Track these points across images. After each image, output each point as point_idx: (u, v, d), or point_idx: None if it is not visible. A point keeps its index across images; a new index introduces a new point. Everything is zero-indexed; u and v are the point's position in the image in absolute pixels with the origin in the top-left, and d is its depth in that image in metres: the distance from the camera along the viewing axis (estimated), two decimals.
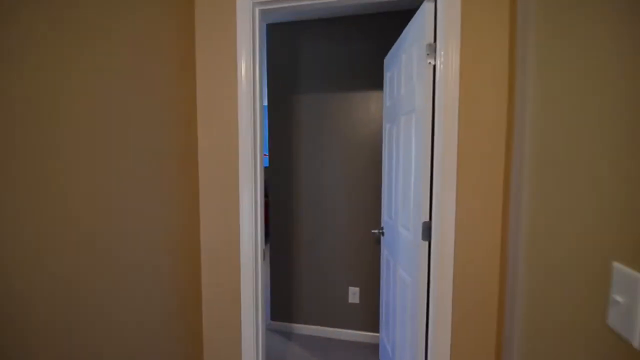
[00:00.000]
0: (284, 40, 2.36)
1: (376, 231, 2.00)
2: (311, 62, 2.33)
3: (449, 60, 1.19)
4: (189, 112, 1.36)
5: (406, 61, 1.54)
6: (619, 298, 0.55)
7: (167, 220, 1.21)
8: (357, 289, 2.37)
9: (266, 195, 5.64)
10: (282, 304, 2.52)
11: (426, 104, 1.27)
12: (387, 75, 1.93)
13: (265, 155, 6.16)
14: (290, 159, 2.41)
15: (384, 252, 2.00)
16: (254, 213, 1.37)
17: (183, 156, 1.32)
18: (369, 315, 2.37)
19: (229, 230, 1.40)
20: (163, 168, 1.19)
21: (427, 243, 1.32)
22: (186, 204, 1.34)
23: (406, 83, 1.53)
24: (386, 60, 1.94)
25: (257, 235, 1.41)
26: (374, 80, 2.24)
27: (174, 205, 1.26)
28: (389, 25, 2.19)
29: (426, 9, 1.25)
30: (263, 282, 1.45)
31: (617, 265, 0.56)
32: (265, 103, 5.75)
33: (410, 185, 1.45)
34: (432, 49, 1.24)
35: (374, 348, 2.31)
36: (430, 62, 1.24)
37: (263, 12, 1.40)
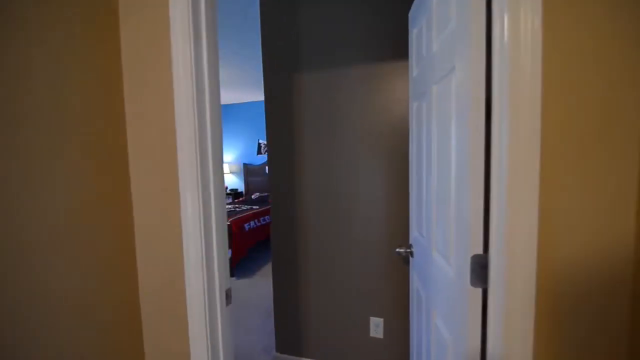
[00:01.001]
0: (282, 8, 1.87)
1: (402, 250, 1.47)
2: (315, 31, 1.82)
3: None
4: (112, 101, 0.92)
5: (439, 1, 1.00)
6: None
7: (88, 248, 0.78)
8: (380, 320, 1.84)
9: (266, 201, 5.21)
10: (289, 333, 2.06)
11: (474, 54, 0.73)
12: (412, 33, 1.37)
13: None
14: (294, 158, 1.93)
15: (414, 279, 1.46)
16: (202, 236, 0.90)
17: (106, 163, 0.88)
18: (396, 355, 1.83)
19: (169, 264, 0.95)
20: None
21: (480, 291, 0.78)
22: (113, 228, 0.91)
23: (440, 32, 0.99)
24: (411, 13, 1.38)
25: (214, 270, 0.95)
26: (399, 48, 1.69)
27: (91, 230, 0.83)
28: None
29: None
30: (228, 342, 0.99)
31: None
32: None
33: (450, 190, 0.91)
34: None
35: None
36: None
37: None
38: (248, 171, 6.50)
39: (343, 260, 1.89)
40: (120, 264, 0.94)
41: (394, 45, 1.69)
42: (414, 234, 1.43)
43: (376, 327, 1.85)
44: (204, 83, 0.93)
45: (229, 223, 3.90)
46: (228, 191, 6.57)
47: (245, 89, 5.49)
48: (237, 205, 5.20)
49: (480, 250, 0.77)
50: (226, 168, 6.54)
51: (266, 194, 5.92)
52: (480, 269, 0.77)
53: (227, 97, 6.01)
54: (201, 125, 0.91)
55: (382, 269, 1.82)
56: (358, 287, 1.87)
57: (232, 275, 3.90)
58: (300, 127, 1.90)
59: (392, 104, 1.73)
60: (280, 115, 1.94)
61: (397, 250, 1.47)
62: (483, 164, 0.75)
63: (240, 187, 6.83)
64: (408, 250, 1.47)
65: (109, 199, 0.91)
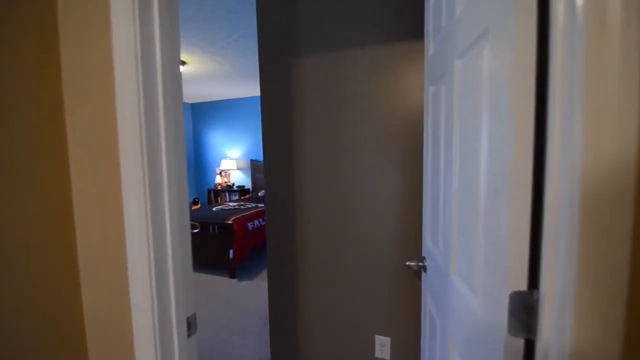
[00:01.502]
0: None
1: (413, 264, 1.24)
2: (318, 9, 1.59)
3: None
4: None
5: None
6: None
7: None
8: (387, 340, 1.62)
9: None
10: (286, 351, 1.85)
11: (521, 9, 0.49)
12: (429, 2, 1.13)
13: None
14: (292, 156, 1.72)
15: (426, 298, 1.23)
16: (151, 254, 0.70)
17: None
18: None
19: (116, 288, 0.75)
20: None
21: (522, 343, 0.55)
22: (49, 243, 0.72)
23: None
24: None
25: (170, 297, 0.74)
26: (414, 26, 1.45)
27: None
28: None
29: None
30: None
31: None
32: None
33: (477, 197, 0.68)
34: None
35: None
36: None
37: None
38: (255, 167, 6.33)
39: (346, 270, 1.67)
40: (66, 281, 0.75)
41: (410, 21, 1.45)
42: (427, 244, 1.20)
43: (382, 347, 1.63)
44: (155, 66, 0.72)
45: (230, 222, 3.73)
46: (235, 188, 6.43)
47: (251, 82, 5.30)
48: (242, 203, 5.04)
49: (523, 286, 0.54)
50: (233, 164, 6.39)
51: None
52: (523, 312, 0.54)
53: (233, 91, 5.83)
54: (150, 122, 0.71)
55: (391, 282, 1.59)
56: (363, 302, 1.65)
57: (233, 276, 3.73)
58: (300, 119, 1.68)
59: (407, 92, 1.49)
60: (277, 108, 1.72)
61: (408, 264, 1.25)
62: (532, 170, 0.51)
63: (248, 184, 6.68)
64: (420, 264, 1.24)
65: (47, 209, 0.72)
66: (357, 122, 1.58)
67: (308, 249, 1.73)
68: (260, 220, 4.27)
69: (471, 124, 0.72)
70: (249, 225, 3.98)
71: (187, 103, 6.64)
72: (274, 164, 1.76)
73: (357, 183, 1.60)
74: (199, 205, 6.63)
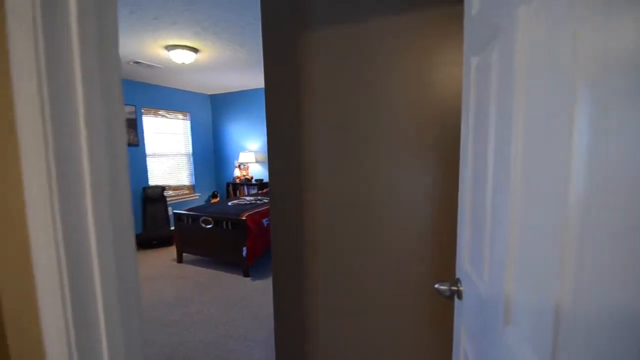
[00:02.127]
0: None
1: (444, 287, 0.97)
2: None
3: None
4: None
5: None
6: None
7: None
8: None
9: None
10: None
11: None
12: None
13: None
14: (300, 148, 1.47)
15: (460, 332, 0.96)
16: (61, 288, 0.48)
17: None
18: None
19: (26, 336, 0.54)
20: None
21: None
22: None
23: None
24: None
25: (101, 348, 0.53)
26: None
27: None
28: None
29: None
30: None
31: None
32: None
33: (565, 214, 0.40)
34: None
35: None
36: None
37: None
38: None
39: (360, 289, 1.42)
40: None
41: None
42: (464, 266, 0.93)
43: None
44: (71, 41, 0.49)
45: (244, 218, 3.56)
46: (253, 182, 6.29)
47: None
48: (258, 198, 4.87)
49: None
50: (251, 157, 6.24)
51: None
52: None
53: (251, 81, 5.64)
54: (59, 99, 0.48)
55: (415, 304, 1.32)
56: (380, 326, 1.40)
57: (247, 275, 3.57)
58: (309, 104, 1.43)
59: (442, 71, 1.21)
60: (282, 94, 1.48)
61: (438, 286, 0.98)
62: None
63: (266, 177, 6.52)
64: (454, 287, 0.97)
65: None
66: (378, 109, 1.31)
67: (317, 257, 1.49)
68: None
69: (552, 102, 0.44)
70: (264, 221, 3.80)
71: (206, 94, 6.54)
72: (279, 159, 1.53)
73: (376, 183, 1.34)
74: (217, 199, 6.56)
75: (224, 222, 3.65)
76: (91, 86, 0.51)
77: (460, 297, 0.95)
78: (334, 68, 1.36)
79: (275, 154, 1.54)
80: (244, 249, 3.49)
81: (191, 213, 3.89)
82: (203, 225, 3.75)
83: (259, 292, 3.19)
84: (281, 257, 1.58)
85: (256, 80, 5.53)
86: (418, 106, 1.24)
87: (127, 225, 0.58)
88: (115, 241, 0.56)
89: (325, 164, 1.42)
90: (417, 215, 1.29)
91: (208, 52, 3.62)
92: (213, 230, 3.72)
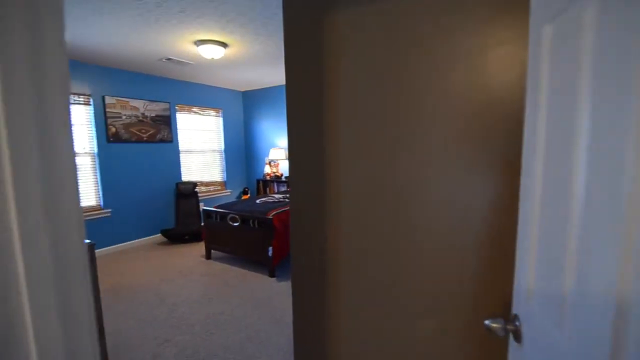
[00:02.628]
0: None
1: (497, 326, 0.77)
2: None
3: None
4: None
5: None
6: None
7: None
8: None
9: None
10: None
11: None
12: None
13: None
14: (322, 144, 1.30)
15: None
16: None
17: None
18: None
19: None
20: None
21: None
22: None
23: None
24: None
25: None
26: None
27: None
28: None
29: None
30: None
31: None
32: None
33: None
34: None
35: None
36: None
37: None
38: None
39: (389, 319, 1.23)
40: None
41: None
42: (526, 301, 0.71)
43: None
44: None
45: (270, 217, 3.46)
46: (283, 179, 6.22)
47: None
48: (286, 196, 4.77)
49: None
50: (282, 154, 6.17)
51: None
52: None
53: (282, 76, 5.55)
54: None
55: (451, 329, 1.11)
56: (409, 350, 1.20)
57: (272, 275, 3.48)
58: (336, 92, 1.26)
59: (504, 48, 0.98)
60: (304, 84, 1.32)
61: (488, 323, 0.77)
62: None
63: None
64: (509, 327, 0.76)
65: None
66: (416, 104, 1.11)
67: (339, 272, 1.32)
68: None
69: None
70: None
71: (239, 91, 6.55)
72: (301, 154, 1.37)
73: (408, 184, 1.14)
74: (248, 195, 6.57)
75: (251, 221, 3.58)
76: (12, 79, 0.38)
77: (518, 339, 0.74)
78: (363, 51, 1.17)
79: (295, 149, 1.38)
80: (270, 248, 3.39)
81: (219, 210, 3.86)
82: (230, 222, 3.70)
83: (283, 294, 3.07)
84: (299, 265, 1.42)
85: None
86: (465, 96, 1.02)
87: (77, 253, 0.45)
88: (57, 273, 0.42)
89: (351, 165, 1.24)
90: (459, 227, 1.07)
91: (237, 47, 3.54)
92: (240, 228, 3.66)
